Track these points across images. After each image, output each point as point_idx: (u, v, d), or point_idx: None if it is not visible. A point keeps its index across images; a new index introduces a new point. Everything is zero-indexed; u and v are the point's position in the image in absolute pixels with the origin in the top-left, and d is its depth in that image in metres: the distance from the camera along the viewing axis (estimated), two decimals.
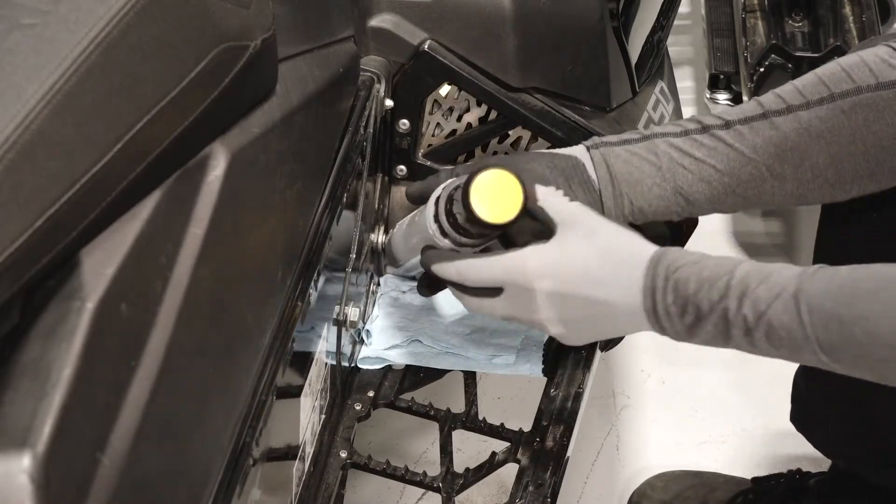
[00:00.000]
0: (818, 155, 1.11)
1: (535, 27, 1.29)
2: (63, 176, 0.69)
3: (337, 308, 1.22)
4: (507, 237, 1.08)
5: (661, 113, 1.49)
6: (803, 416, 1.45)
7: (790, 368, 1.45)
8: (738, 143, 1.12)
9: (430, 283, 1.19)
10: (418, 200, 1.19)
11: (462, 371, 1.41)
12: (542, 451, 1.34)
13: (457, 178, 1.12)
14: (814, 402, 1.41)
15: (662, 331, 1.02)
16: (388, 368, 1.41)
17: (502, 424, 1.38)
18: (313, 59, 1.09)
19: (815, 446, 1.45)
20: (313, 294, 1.08)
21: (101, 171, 0.71)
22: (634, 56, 1.40)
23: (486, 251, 1.11)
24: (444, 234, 1.10)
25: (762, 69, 2.00)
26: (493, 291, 1.07)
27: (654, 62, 1.50)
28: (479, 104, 1.34)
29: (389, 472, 1.33)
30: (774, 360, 1.00)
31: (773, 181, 1.13)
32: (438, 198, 1.11)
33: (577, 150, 1.16)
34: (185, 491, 0.82)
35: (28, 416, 0.65)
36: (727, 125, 1.12)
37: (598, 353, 1.46)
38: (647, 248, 1.02)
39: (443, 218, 1.09)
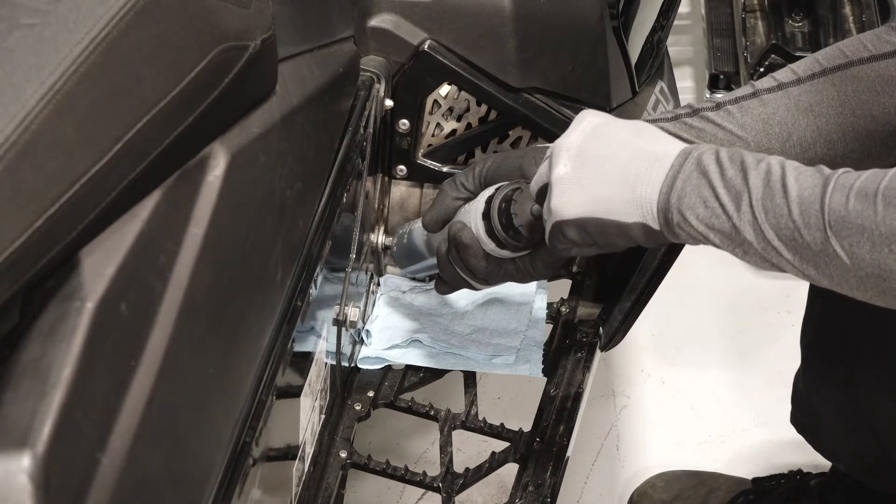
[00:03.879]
0: (806, 129, 1.11)
1: (535, 27, 1.29)
2: (63, 176, 0.69)
3: (337, 308, 1.22)
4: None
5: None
6: (803, 417, 1.45)
7: (790, 369, 1.46)
8: (726, 122, 1.11)
9: (448, 282, 1.20)
10: (439, 227, 1.18)
11: (462, 371, 1.41)
12: (542, 451, 1.34)
13: (492, 189, 1.12)
14: (813, 405, 1.41)
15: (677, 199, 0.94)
16: (388, 368, 1.41)
17: (502, 424, 1.38)
18: (313, 59, 1.09)
19: (815, 448, 1.45)
20: (313, 294, 1.08)
21: (101, 171, 0.71)
22: (634, 56, 1.40)
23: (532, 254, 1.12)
24: (501, 245, 1.10)
25: (762, 69, 2.01)
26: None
27: (654, 62, 1.50)
28: (479, 104, 1.34)
29: (389, 472, 1.33)
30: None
31: None
32: (486, 213, 1.10)
33: None
34: (185, 491, 0.82)
35: (28, 416, 0.65)
36: (717, 106, 1.13)
37: (598, 353, 1.46)
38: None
39: (498, 228, 1.09)
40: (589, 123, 0.99)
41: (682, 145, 0.97)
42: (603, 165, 0.97)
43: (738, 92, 1.13)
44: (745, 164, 0.91)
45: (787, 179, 0.89)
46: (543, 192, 1.02)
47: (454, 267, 1.16)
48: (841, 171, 0.88)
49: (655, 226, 0.96)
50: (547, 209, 1.00)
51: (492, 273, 1.13)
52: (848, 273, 0.88)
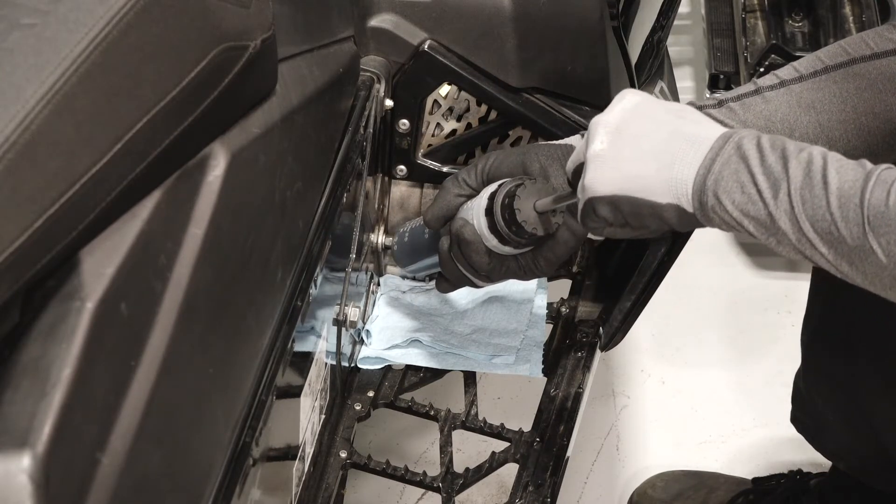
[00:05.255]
0: (807, 125, 1.10)
1: (535, 27, 1.29)
2: (63, 176, 0.69)
3: (337, 308, 1.22)
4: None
5: None
6: (803, 417, 1.45)
7: (790, 369, 1.46)
8: (728, 119, 1.11)
9: (450, 280, 1.20)
10: (441, 224, 1.18)
11: (462, 371, 1.41)
12: (542, 451, 1.34)
13: (495, 185, 1.12)
14: (814, 404, 1.41)
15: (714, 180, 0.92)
16: (388, 368, 1.41)
17: (502, 424, 1.38)
18: (313, 59, 1.09)
19: (815, 447, 1.45)
20: (313, 294, 1.08)
21: (101, 171, 0.71)
22: (634, 56, 1.40)
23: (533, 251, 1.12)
24: (504, 242, 1.10)
25: (762, 69, 2.01)
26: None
27: (654, 62, 1.50)
28: (479, 104, 1.34)
29: (389, 472, 1.33)
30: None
31: None
32: (489, 209, 1.10)
33: (573, 139, 1.17)
34: (185, 491, 0.82)
35: (28, 416, 0.65)
36: (720, 104, 1.12)
37: (598, 353, 1.46)
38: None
39: (501, 225, 1.09)
40: (629, 101, 0.98)
41: (722, 129, 0.95)
42: (640, 143, 0.96)
43: (741, 89, 1.13)
44: (787, 151, 0.90)
45: (828, 171, 0.88)
46: (577, 174, 1.01)
47: (456, 264, 1.16)
48: (883, 166, 0.87)
49: (689, 208, 0.94)
50: (581, 186, 0.99)
51: (494, 270, 1.13)
52: (883, 271, 0.86)
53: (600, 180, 0.96)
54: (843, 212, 0.86)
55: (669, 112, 0.97)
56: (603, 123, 0.98)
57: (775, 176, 0.89)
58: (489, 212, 1.10)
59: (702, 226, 0.96)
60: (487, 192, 1.12)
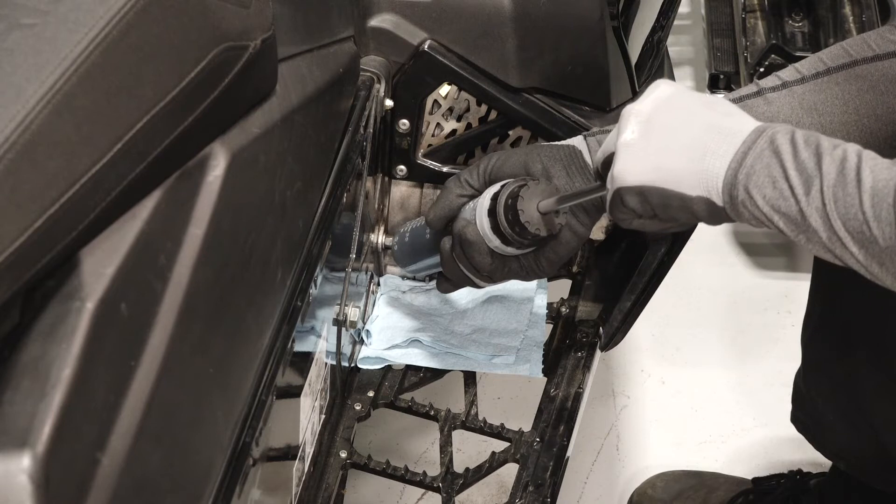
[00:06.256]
0: (809, 127, 1.10)
1: (535, 27, 1.29)
2: (63, 176, 0.69)
3: (337, 308, 1.22)
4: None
5: None
6: (803, 416, 1.45)
7: (790, 369, 1.46)
8: None
9: (451, 280, 1.20)
10: (443, 225, 1.18)
11: (462, 371, 1.41)
12: (542, 451, 1.34)
13: (498, 186, 1.12)
14: (814, 404, 1.41)
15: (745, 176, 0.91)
16: (388, 368, 1.41)
17: (502, 424, 1.38)
18: (313, 59, 1.09)
19: (816, 447, 1.45)
20: (313, 294, 1.08)
21: (101, 171, 0.71)
22: (634, 56, 1.40)
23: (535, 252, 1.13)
24: (506, 242, 1.10)
25: (762, 69, 2.01)
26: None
27: (654, 62, 1.50)
28: (479, 104, 1.34)
29: (389, 472, 1.33)
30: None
31: None
32: (492, 210, 1.10)
33: (576, 140, 1.17)
34: (185, 491, 0.82)
35: (28, 416, 0.65)
36: None
37: (598, 353, 1.46)
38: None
39: (504, 225, 1.09)
40: (663, 92, 0.97)
41: (756, 122, 0.94)
42: (672, 134, 0.94)
43: (742, 91, 1.13)
44: (821, 148, 0.89)
45: (862, 169, 0.86)
46: (606, 166, 1.00)
47: (458, 264, 1.16)
48: None
49: (719, 202, 0.93)
50: (610, 176, 0.98)
51: (496, 270, 1.13)
52: None
53: (630, 170, 0.95)
54: (876, 211, 0.85)
55: (703, 104, 0.96)
56: (635, 113, 0.96)
57: (808, 172, 0.88)
58: (492, 212, 1.10)
59: (731, 220, 0.95)
60: (490, 192, 1.12)
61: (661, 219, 0.97)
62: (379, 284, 1.45)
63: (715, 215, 0.94)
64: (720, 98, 0.98)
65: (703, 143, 0.93)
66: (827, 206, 0.87)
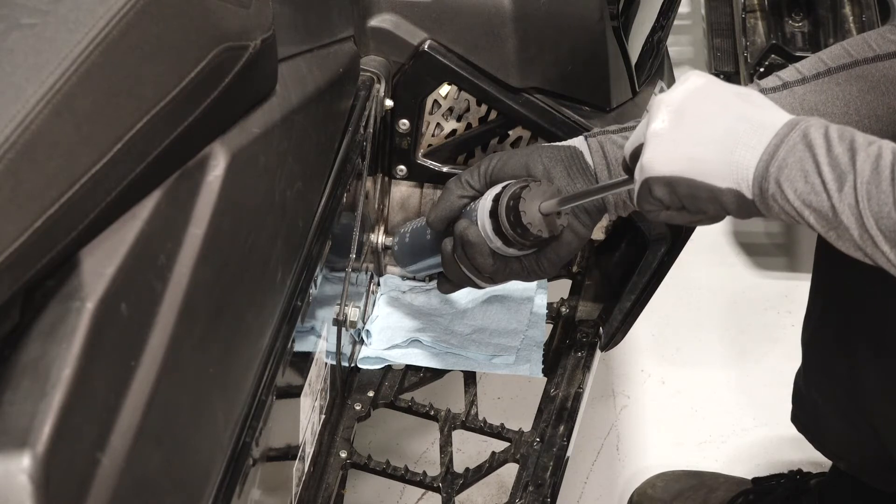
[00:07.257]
0: None
1: (535, 27, 1.29)
2: (63, 176, 0.69)
3: (337, 308, 1.22)
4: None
5: None
6: (804, 416, 1.45)
7: (790, 369, 1.46)
8: None
9: (452, 280, 1.20)
10: (444, 226, 1.18)
11: (462, 371, 1.41)
12: (542, 451, 1.34)
13: (499, 187, 1.12)
14: (814, 403, 1.41)
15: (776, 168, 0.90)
16: (388, 368, 1.41)
17: (502, 424, 1.38)
18: (313, 59, 1.09)
19: (816, 447, 1.45)
20: (313, 294, 1.08)
21: (101, 171, 0.71)
22: (634, 56, 1.40)
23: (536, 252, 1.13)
24: (508, 243, 1.10)
25: (762, 69, 2.00)
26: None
27: (654, 62, 1.50)
28: (479, 104, 1.34)
29: (389, 472, 1.33)
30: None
31: None
32: (494, 211, 1.10)
33: (576, 141, 1.17)
34: (185, 491, 0.82)
35: (28, 416, 0.65)
36: None
37: (598, 353, 1.46)
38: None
39: (506, 226, 1.09)
40: (693, 83, 0.95)
41: (788, 115, 0.92)
42: (702, 124, 0.93)
43: None
44: (855, 143, 0.87)
45: None
46: (634, 158, 0.98)
47: (459, 265, 1.16)
48: None
49: (749, 195, 0.91)
50: (638, 166, 0.96)
51: (497, 271, 1.13)
52: None
53: (659, 160, 0.94)
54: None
55: (735, 94, 0.95)
56: (666, 102, 0.95)
57: (842, 168, 0.87)
58: (494, 213, 1.10)
59: (760, 214, 0.93)
60: (491, 193, 1.12)
61: (689, 211, 0.96)
62: (379, 284, 1.45)
63: (744, 208, 0.93)
64: (753, 90, 0.97)
65: (735, 135, 0.91)
66: (860, 204, 0.86)
